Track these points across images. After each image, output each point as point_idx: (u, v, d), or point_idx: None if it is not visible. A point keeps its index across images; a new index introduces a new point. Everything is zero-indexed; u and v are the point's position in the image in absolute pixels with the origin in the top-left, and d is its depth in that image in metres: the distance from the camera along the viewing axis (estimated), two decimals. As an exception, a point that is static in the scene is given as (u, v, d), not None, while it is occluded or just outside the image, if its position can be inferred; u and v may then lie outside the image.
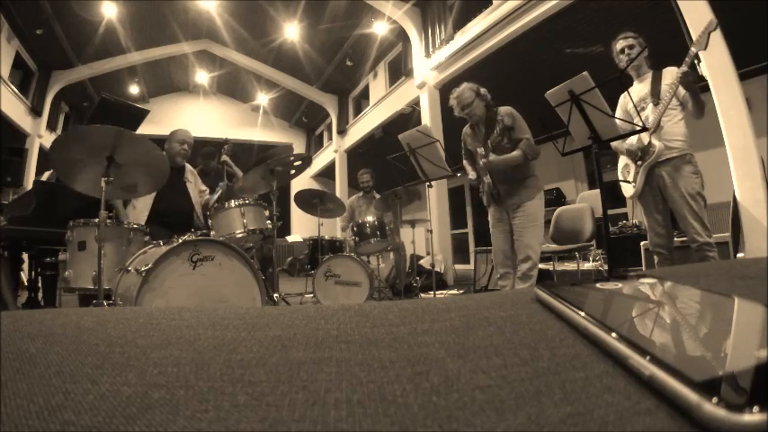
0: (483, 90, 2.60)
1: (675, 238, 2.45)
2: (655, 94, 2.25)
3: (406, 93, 7.39)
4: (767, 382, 0.15)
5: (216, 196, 2.79)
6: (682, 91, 2.18)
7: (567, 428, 0.15)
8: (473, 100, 2.56)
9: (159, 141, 2.63)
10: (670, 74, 2.25)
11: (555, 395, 0.17)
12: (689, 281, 0.30)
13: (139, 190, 2.05)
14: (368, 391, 0.18)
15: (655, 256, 2.38)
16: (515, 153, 2.45)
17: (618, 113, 2.42)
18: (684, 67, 2.09)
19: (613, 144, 2.37)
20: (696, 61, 3.24)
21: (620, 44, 2.39)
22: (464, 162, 2.82)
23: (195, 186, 2.84)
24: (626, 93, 2.43)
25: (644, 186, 2.31)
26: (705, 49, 2.12)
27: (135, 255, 1.89)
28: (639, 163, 2.30)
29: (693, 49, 2.12)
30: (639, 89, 2.34)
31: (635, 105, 2.18)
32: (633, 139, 2.31)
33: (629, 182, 2.38)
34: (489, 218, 2.72)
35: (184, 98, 11.39)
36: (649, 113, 2.25)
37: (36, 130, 7.87)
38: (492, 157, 2.46)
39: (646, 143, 2.24)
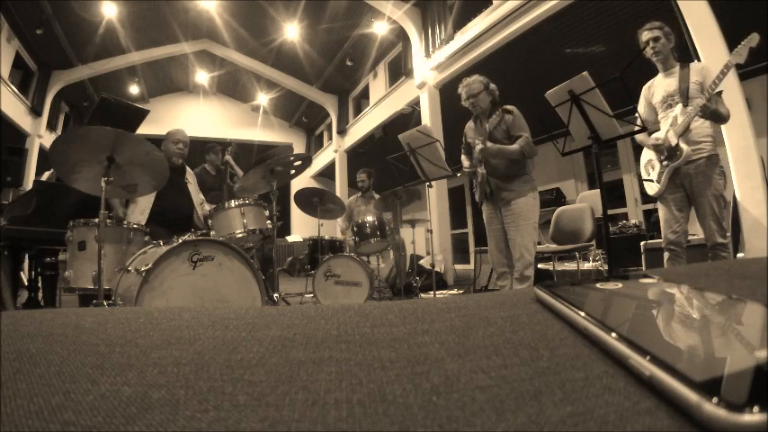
0: (492, 85, 2.63)
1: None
2: (683, 92, 2.21)
3: (406, 93, 7.39)
4: (767, 382, 0.15)
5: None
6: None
7: (566, 428, 0.15)
8: (480, 92, 2.58)
9: (159, 141, 2.65)
10: (698, 71, 2.22)
11: (555, 395, 0.17)
12: (689, 281, 0.30)
13: (140, 190, 2.06)
14: (368, 391, 0.18)
15: (665, 253, 2.34)
16: (513, 146, 2.46)
17: (641, 104, 2.39)
18: (702, 100, 2.07)
19: (638, 138, 2.34)
20: (696, 60, 3.24)
21: (646, 35, 2.32)
22: (462, 157, 2.82)
23: (195, 188, 2.86)
24: (651, 83, 2.40)
25: (668, 184, 2.29)
26: (743, 62, 2.09)
27: (135, 255, 1.89)
28: (665, 163, 2.27)
29: (732, 61, 2.09)
30: (667, 84, 2.29)
31: (662, 100, 2.16)
32: (660, 135, 2.28)
33: (651, 180, 2.35)
34: (483, 216, 2.71)
35: (184, 98, 11.39)
36: (678, 114, 2.22)
37: (36, 130, 7.87)
38: (489, 144, 2.46)
39: (673, 145, 2.21)
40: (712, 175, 2.16)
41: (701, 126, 2.20)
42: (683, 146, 2.18)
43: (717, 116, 2.14)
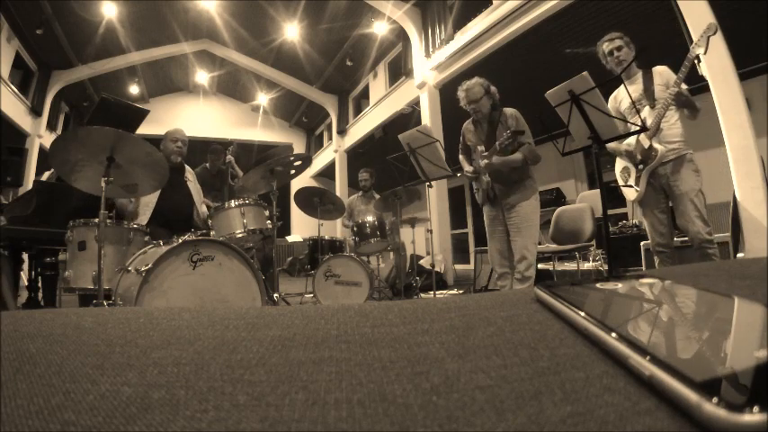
0: (493, 89, 2.62)
1: (675, 238, 2.45)
2: (649, 95, 2.25)
3: (406, 93, 7.39)
4: (767, 382, 0.15)
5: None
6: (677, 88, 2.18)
7: (566, 428, 0.15)
8: (481, 96, 2.57)
9: (159, 142, 2.65)
10: (660, 73, 2.25)
11: (555, 395, 0.17)
12: (689, 281, 0.30)
13: (140, 190, 2.06)
14: (368, 391, 0.18)
15: (656, 257, 2.37)
16: (516, 156, 2.47)
17: None
18: (676, 88, 2.10)
19: (610, 147, 2.37)
20: (696, 62, 3.24)
21: (606, 46, 2.39)
22: (460, 157, 2.82)
23: (195, 186, 2.86)
24: (616, 93, 2.43)
25: (646, 188, 2.30)
26: (705, 53, 2.13)
27: (135, 255, 1.89)
28: (641, 167, 2.29)
29: (693, 53, 2.12)
30: (632, 90, 2.32)
31: (633, 104, 2.19)
32: (632, 143, 2.30)
33: (630, 186, 2.37)
34: (484, 218, 2.72)
35: (184, 98, 11.39)
36: (647, 116, 2.24)
37: (36, 130, 7.87)
38: (495, 158, 2.46)
39: (647, 147, 2.23)
40: (687, 173, 2.18)
41: (672, 126, 2.23)
42: (657, 146, 2.20)
43: (690, 105, 2.17)
